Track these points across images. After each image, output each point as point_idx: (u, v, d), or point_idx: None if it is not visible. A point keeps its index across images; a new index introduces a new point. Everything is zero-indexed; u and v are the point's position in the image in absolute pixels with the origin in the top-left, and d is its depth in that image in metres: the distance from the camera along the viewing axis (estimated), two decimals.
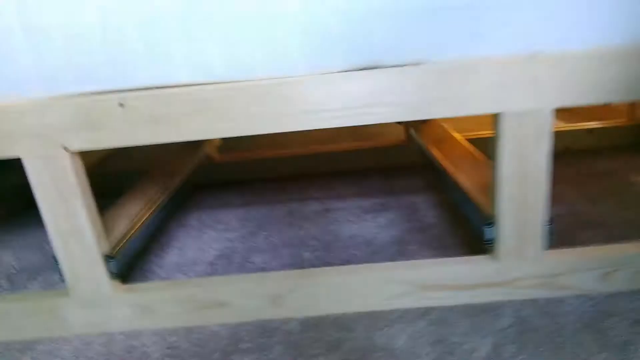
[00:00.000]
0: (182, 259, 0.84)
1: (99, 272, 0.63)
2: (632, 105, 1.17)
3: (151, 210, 0.79)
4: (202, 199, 1.12)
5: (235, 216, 1.00)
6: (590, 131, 1.15)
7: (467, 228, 0.82)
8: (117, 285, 0.65)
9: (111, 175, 1.13)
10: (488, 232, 0.60)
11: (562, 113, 1.41)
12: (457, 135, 0.97)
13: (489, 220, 0.60)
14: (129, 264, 0.84)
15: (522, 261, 0.61)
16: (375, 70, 0.53)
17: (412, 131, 1.07)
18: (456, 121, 0.96)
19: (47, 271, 0.84)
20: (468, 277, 0.62)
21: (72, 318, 0.65)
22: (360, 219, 0.92)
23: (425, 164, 1.15)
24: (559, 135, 1.12)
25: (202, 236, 0.92)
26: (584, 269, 0.61)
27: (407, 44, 0.52)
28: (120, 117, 0.55)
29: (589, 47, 0.52)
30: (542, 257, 0.61)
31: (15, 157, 0.58)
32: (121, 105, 0.55)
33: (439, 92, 0.53)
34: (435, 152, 0.87)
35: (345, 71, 0.53)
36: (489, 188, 0.61)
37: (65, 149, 0.57)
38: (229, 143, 1.68)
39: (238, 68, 0.53)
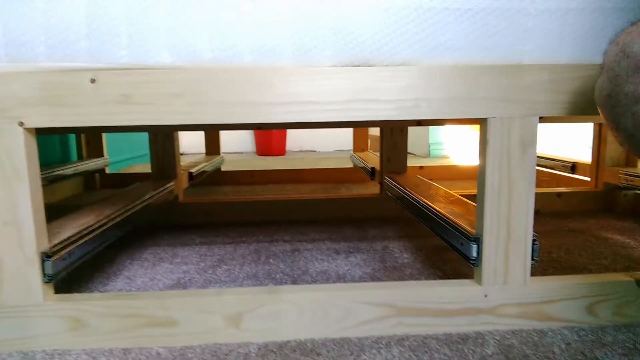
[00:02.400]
0: (129, 286, 0.74)
1: (32, 273, 0.54)
2: (597, 173, 1.21)
3: (103, 225, 0.71)
4: (161, 236, 1.03)
5: (195, 252, 0.92)
6: (559, 195, 1.17)
7: (445, 270, 0.78)
8: (49, 292, 0.56)
9: None
10: (473, 249, 0.56)
11: None
12: (432, 183, 0.96)
13: (475, 237, 0.56)
14: (66, 278, 0.74)
15: (507, 286, 0.56)
16: (362, 67, 0.52)
17: (388, 179, 1.06)
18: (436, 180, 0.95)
19: None
20: (450, 302, 0.56)
21: None
22: (331, 257, 0.86)
23: (399, 216, 1.13)
24: None
25: (156, 267, 0.83)
26: (570, 298, 0.57)
27: (395, 45, 0.52)
28: (90, 94, 0.51)
29: (573, 60, 0.53)
30: (528, 282, 0.57)
31: None
32: (93, 80, 0.51)
33: (425, 93, 0.53)
34: (414, 193, 0.85)
35: (333, 66, 0.52)
36: (475, 208, 0.58)
37: (21, 124, 0.51)
38: (196, 189, 1.62)
39: (223, 53, 0.51)
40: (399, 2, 0.51)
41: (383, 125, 1.14)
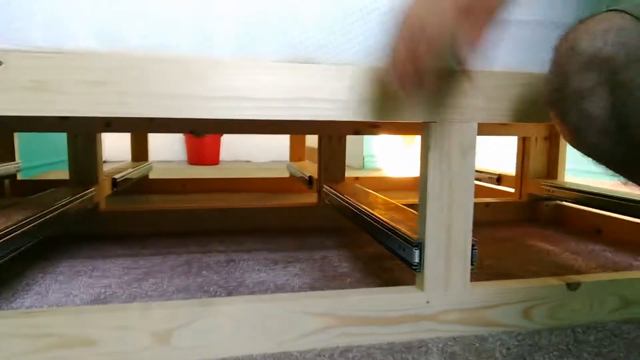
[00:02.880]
0: (40, 303, 0.66)
1: None
2: (521, 185, 1.28)
3: (9, 233, 0.63)
4: (79, 248, 0.94)
5: (118, 265, 0.84)
6: (488, 205, 1.22)
7: (384, 277, 0.77)
8: None
9: None
10: (415, 254, 0.55)
11: None
12: (371, 191, 0.96)
13: (417, 242, 0.56)
14: None
15: (449, 292, 0.56)
16: (308, 64, 0.50)
17: (327, 187, 1.04)
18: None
19: None
20: (393, 309, 0.55)
21: None
22: (268, 268, 0.82)
23: (337, 225, 1.11)
24: None
25: (72, 282, 0.75)
26: (508, 302, 0.58)
27: (341, 44, 0.50)
28: None
29: (511, 68, 0.55)
30: (468, 287, 0.57)
31: None
32: None
33: (371, 94, 0.51)
34: (354, 201, 0.83)
35: (277, 62, 0.49)
36: (417, 214, 0.58)
37: None
38: (120, 197, 1.51)
39: (156, 40, 0.47)
40: (344, 1, 0.49)
41: (322, 132, 1.12)
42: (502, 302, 0.57)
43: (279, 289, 0.71)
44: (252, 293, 0.70)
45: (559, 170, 1.24)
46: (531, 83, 0.55)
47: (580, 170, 2.09)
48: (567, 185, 1.14)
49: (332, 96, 0.51)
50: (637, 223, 0.97)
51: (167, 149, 3.22)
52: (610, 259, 0.89)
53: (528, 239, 1.05)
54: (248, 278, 0.76)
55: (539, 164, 1.27)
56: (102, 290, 0.71)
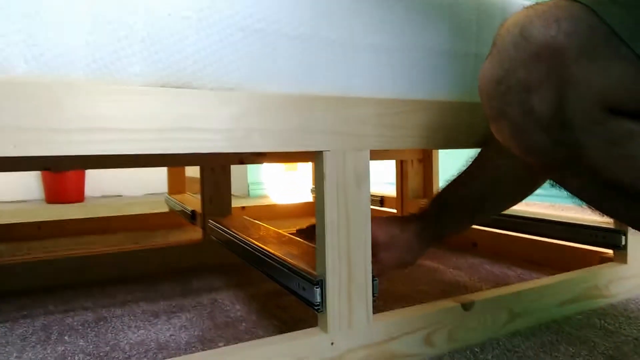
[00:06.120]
0: None
1: None
2: (402, 205, 1.33)
3: None
4: None
5: None
6: None
7: (283, 318, 0.71)
8: None
9: None
10: (316, 294, 0.51)
11: None
12: (261, 223, 0.90)
13: (317, 279, 0.51)
14: None
15: (353, 329, 0.53)
16: (184, 90, 0.43)
17: (212, 222, 0.96)
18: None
19: None
20: (298, 358, 0.50)
21: None
22: (148, 323, 0.71)
23: (226, 263, 1.03)
24: None
25: None
26: (410, 331, 0.56)
27: (222, 66, 0.45)
28: None
29: (398, 95, 0.55)
30: (371, 321, 0.54)
31: None
32: None
33: (259, 123, 0.47)
34: (243, 236, 0.77)
35: (146, 86, 0.42)
36: (315, 250, 0.54)
37: None
38: None
39: None
40: (224, 18, 0.44)
41: (203, 163, 1.04)
42: (405, 331, 0.56)
43: (162, 348, 0.61)
44: (129, 358, 0.59)
45: (433, 190, 1.32)
46: (414, 110, 0.56)
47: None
48: None
49: (214, 125, 0.45)
50: (508, 235, 1.06)
51: (18, 187, 2.79)
52: (489, 270, 0.95)
53: None
54: (123, 339, 0.65)
55: (415, 185, 1.34)
56: None
